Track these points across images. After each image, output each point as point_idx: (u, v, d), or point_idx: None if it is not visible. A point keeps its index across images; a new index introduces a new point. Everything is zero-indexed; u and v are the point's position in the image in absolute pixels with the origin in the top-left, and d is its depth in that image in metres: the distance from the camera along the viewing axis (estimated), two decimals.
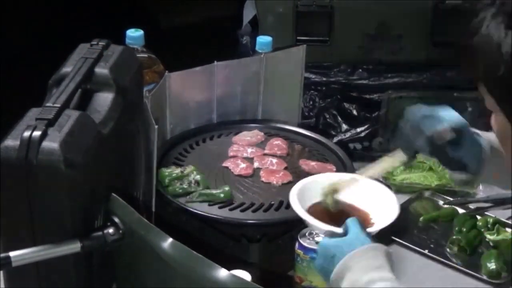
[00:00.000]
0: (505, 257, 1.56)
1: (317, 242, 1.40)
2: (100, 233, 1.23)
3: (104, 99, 1.33)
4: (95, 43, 1.42)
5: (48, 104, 1.23)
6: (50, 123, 1.19)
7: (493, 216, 1.68)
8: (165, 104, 1.65)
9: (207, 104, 1.73)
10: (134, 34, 1.74)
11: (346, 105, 1.90)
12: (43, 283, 1.25)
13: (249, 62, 1.75)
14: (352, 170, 1.58)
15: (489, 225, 1.65)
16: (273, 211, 1.47)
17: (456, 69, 1.89)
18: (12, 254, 1.14)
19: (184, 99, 1.69)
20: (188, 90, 1.69)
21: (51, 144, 1.15)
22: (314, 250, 1.39)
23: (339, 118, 1.90)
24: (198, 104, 1.72)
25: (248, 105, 1.77)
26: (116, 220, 1.25)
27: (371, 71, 1.89)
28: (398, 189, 1.81)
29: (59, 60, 1.40)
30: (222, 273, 1.15)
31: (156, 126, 1.42)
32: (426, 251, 1.60)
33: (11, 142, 1.16)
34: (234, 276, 1.15)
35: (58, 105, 1.23)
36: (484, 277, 1.53)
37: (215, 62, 1.68)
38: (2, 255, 1.14)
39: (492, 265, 1.54)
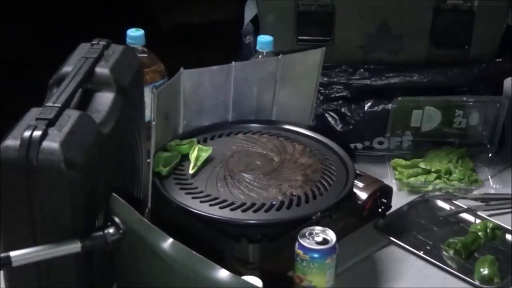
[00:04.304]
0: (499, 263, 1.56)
1: (317, 242, 1.40)
2: (100, 233, 1.23)
3: (104, 99, 1.33)
4: (96, 42, 1.43)
5: (48, 104, 1.24)
6: (51, 123, 1.19)
7: (493, 220, 1.67)
8: (179, 100, 1.64)
9: (223, 103, 1.73)
10: (135, 33, 1.75)
11: (348, 105, 1.90)
12: (43, 283, 1.25)
13: (266, 62, 1.75)
14: (353, 170, 1.59)
15: (487, 230, 1.64)
16: (274, 211, 1.46)
17: (457, 69, 1.89)
18: (12, 254, 1.14)
19: (199, 97, 1.68)
20: (204, 88, 1.68)
21: (52, 144, 1.15)
22: (314, 250, 1.39)
23: (341, 118, 1.89)
24: (213, 102, 1.72)
25: (263, 106, 1.77)
26: (117, 220, 1.25)
27: (372, 71, 1.89)
28: (411, 190, 1.81)
29: (59, 60, 1.40)
30: (222, 273, 1.15)
31: (153, 122, 1.42)
32: (421, 253, 1.60)
33: (11, 142, 1.16)
34: (234, 276, 1.15)
35: (59, 105, 1.23)
36: (476, 282, 1.52)
37: (233, 63, 1.68)
38: (2, 255, 1.14)
39: (485, 271, 1.53)
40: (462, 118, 1.92)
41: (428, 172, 1.84)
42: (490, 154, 1.94)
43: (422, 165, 1.85)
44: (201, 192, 1.51)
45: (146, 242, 1.23)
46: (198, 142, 1.64)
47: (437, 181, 1.82)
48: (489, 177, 1.88)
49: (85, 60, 1.37)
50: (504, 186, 1.84)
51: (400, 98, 1.87)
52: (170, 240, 1.20)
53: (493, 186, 1.84)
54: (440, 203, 1.76)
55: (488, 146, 1.95)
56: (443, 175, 1.83)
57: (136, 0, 3.76)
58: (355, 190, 1.59)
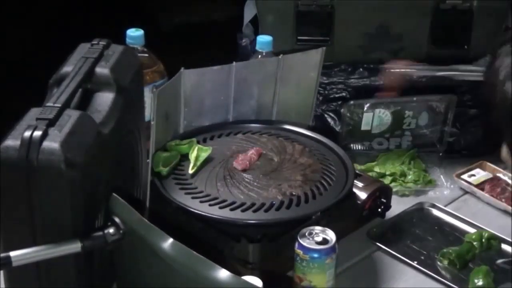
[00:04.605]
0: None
1: (316, 242, 1.40)
2: (100, 233, 1.23)
3: (104, 99, 1.33)
4: (96, 42, 1.43)
5: (48, 104, 1.24)
6: (51, 123, 1.19)
7: (489, 230, 1.65)
8: (179, 100, 1.64)
9: (223, 103, 1.73)
10: (135, 33, 1.75)
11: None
12: (43, 282, 1.25)
13: (267, 62, 1.75)
14: (352, 170, 1.59)
15: (483, 239, 1.62)
16: (273, 211, 1.46)
17: None
18: (12, 254, 1.14)
19: (199, 97, 1.68)
20: (204, 88, 1.68)
21: (52, 144, 1.16)
22: (313, 250, 1.39)
23: (340, 118, 1.89)
24: (214, 102, 1.72)
25: (264, 106, 1.77)
26: (117, 220, 1.25)
27: (372, 70, 1.89)
28: (409, 193, 1.82)
29: (59, 60, 1.40)
30: (223, 273, 1.15)
31: (153, 122, 1.42)
32: (415, 263, 1.58)
33: (12, 142, 1.16)
34: (234, 276, 1.15)
35: (59, 105, 1.23)
36: None
37: (234, 63, 1.68)
38: (3, 255, 1.14)
39: (479, 282, 1.51)
40: (412, 119, 1.91)
41: (383, 175, 1.83)
42: (440, 154, 1.93)
43: (377, 169, 1.84)
44: (201, 192, 1.51)
45: (146, 242, 1.23)
46: (198, 142, 1.64)
47: (393, 184, 1.81)
48: (441, 176, 1.87)
49: (85, 60, 1.37)
50: (456, 186, 1.84)
51: (351, 102, 1.87)
52: (170, 240, 1.21)
53: (446, 185, 1.84)
54: (435, 212, 1.75)
55: (438, 146, 1.94)
56: (399, 178, 1.82)
57: (136, 0, 3.76)
58: (354, 190, 1.59)
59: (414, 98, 1.89)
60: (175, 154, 1.59)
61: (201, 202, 1.48)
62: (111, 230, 1.24)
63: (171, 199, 1.48)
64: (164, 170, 1.54)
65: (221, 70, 1.68)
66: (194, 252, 1.19)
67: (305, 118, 1.80)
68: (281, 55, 1.73)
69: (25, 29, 3.35)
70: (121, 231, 1.24)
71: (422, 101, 1.90)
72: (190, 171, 1.56)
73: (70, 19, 3.45)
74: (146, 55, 1.76)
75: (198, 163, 1.57)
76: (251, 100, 1.76)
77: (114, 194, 1.28)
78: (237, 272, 1.22)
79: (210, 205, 1.47)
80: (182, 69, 1.60)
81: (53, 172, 1.15)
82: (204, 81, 1.68)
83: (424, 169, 1.87)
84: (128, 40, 1.74)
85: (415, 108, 1.90)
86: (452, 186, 1.83)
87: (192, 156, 1.58)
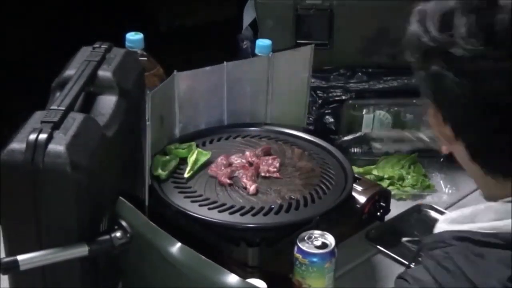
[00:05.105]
0: None
1: (316, 246, 1.41)
2: (107, 236, 1.24)
3: (107, 102, 1.34)
4: (98, 46, 1.43)
5: (52, 107, 1.24)
6: (56, 126, 1.20)
7: None
8: (174, 103, 1.65)
9: (217, 104, 1.74)
10: (134, 37, 1.75)
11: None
12: (48, 283, 1.25)
13: (258, 61, 1.75)
14: (352, 174, 1.59)
15: None
16: (272, 215, 1.47)
17: None
18: (20, 257, 1.15)
19: (193, 99, 1.69)
20: (198, 89, 1.69)
21: (57, 147, 1.16)
22: (313, 254, 1.40)
23: (339, 122, 1.90)
24: (208, 103, 1.73)
25: (258, 105, 1.77)
26: (124, 223, 1.25)
27: (371, 74, 1.89)
28: (406, 196, 1.83)
29: (59, 60, 1.41)
30: (231, 278, 1.15)
31: (148, 122, 1.42)
32: (413, 265, 1.59)
33: (17, 145, 1.17)
34: (242, 281, 1.16)
35: (63, 108, 1.24)
36: None
37: (225, 63, 1.68)
38: (10, 258, 1.14)
39: None
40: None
41: (381, 179, 1.83)
42: (441, 159, 1.92)
43: (375, 172, 1.85)
44: (200, 195, 1.51)
45: (154, 245, 1.24)
46: (197, 146, 1.64)
47: (391, 187, 1.81)
48: (441, 181, 1.87)
49: (88, 63, 1.37)
50: (456, 190, 1.84)
51: (350, 102, 1.87)
52: (178, 244, 1.21)
53: (445, 191, 1.85)
54: (433, 214, 1.76)
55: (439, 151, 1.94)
56: (396, 182, 1.83)
57: (135, 1, 3.76)
58: (353, 193, 1.60)
59: (414, 101, 1.90)
60: (173, 157, 1.59)
61: (200, 205, 1.48)
62: (118, 234, 1.24)
63: (170, 202, 1.48)
64: (163, 174, 1.54)
65: (213, 70, 1.69)
66: (202, 256, 1.19)
67: (300, 118, 1.81)
68: (271, 53, 1.73)
69: (25, 29, 3.35)
70: (128, 235, 1.24)
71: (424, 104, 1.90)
72: (186, 175, 1.56)
73: (70, 19, 3.45)
74: (146, 58, 1.76)
75: (196, 167, 1.58)
76: (245, 101, 1.77)
77: (121, 198, 1.28)
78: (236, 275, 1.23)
79: (209, 208, 1.47)
80: (175, 72, 1.61)
81: (59, 175, 1.15)
82: (198, 83, 1.68)
83: (424, 174, 1.87)
84: (127, 44, 1.73)
85: (415, 111, 1.91)
86: (451, 191, 1.84)
87: (191, 159, 1.58)
